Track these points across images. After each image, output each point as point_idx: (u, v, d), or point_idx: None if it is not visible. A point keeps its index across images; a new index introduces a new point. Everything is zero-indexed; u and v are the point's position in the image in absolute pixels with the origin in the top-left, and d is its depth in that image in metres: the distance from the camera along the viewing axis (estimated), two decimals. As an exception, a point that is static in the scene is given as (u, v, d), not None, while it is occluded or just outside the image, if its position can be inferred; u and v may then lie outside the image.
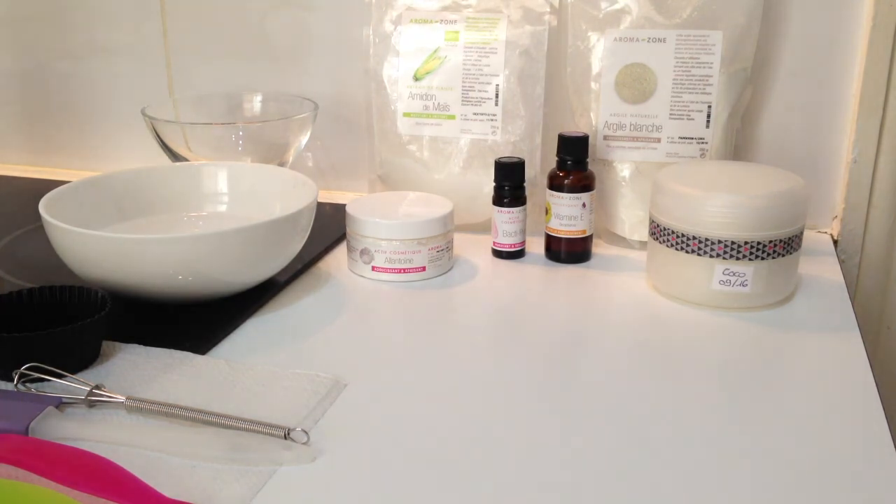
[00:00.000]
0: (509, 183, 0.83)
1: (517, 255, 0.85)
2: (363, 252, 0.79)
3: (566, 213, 0.82)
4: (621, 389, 0.61)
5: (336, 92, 1.01)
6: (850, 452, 0.54)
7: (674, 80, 0.83)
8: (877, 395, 0.60)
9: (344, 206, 0.82)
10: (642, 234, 0.86)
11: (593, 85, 0.85)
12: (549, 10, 0.87)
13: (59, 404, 0.57)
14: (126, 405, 0.57)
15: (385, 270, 0.79)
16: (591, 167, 0.83)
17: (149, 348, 0.65)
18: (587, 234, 0.83)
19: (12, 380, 0.59)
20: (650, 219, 0.77)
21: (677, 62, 0.82)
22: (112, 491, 0.47)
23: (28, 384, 0.60)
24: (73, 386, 0.58)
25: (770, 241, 0.71)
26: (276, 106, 0.99)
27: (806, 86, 0.89)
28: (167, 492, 0.48)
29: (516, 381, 0.63)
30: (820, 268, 0.82)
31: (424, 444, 0.55)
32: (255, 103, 1.00)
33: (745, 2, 0.82)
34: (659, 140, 0.84)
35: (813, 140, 0.91)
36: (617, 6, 0.84)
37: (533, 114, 0.88)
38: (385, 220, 0.78)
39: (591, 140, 0.83)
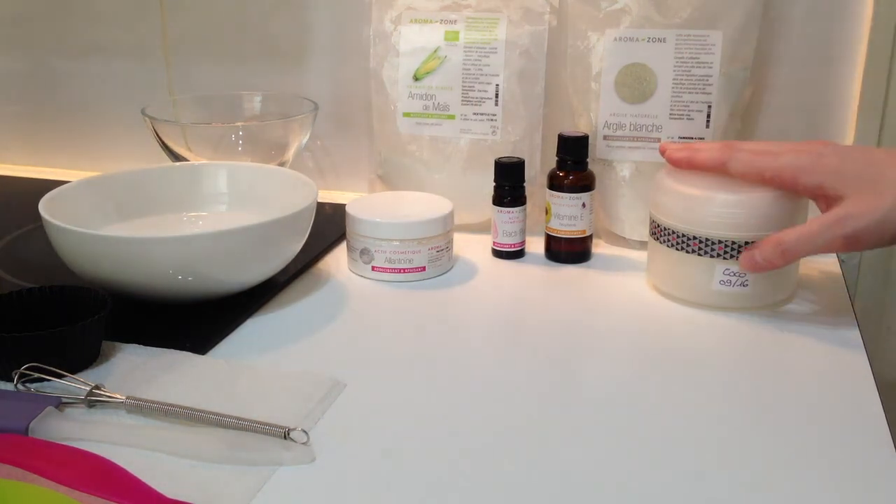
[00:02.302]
0: (509, 183, 0.83)
1: (517, 255, 0.85)
2: (363, 252, 0.79)
3: (566, 213, 0.82)
4: (621, 389, 0.61)
5: (336, 92, 1.01)
6: (849, 452, 0.54)
7: (674, 80, 0.83)
8: (877, 395, 0.60)
9: (344, 206, 0.82)
10: (642, 234, 0.86)
11: (593, 85, 0.85)
12: (549, 10, 0.87)
13: (59, 404, 0.57)
14: (126, 405, 0.57)
15: (385, 270, 0.79)
16: (591, 167, 0.83)
17: (149, 348, 0.65)
18: (587, 234, 0.83)
19: (12, 380, 0.59)
20: (650, 219, 0.77)
21: (677, 62, 0.82)
22: (112, 491, 0.47)
23: (28, 384, 0.60)
24: (73, 386, 0.58)
25: (770, 241, 0.71)
26: (276, 106, 0.99)
27: (806, 86, 0.89)
28: (167, 492, 0.48)
29: (516, 380, 0.63)
30: (820, 268, 0.82)
31: (424, 445, 0.55)
32: (255, 103, 1.00)
33: (745, 2, 0.82)
34: (659, 140, 0.84)
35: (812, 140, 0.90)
36: (617, 6, 0.84)
37: (533, 114, 0.88)
38: (385, 220, 0.78)
39: (591, 140, 0.83)
